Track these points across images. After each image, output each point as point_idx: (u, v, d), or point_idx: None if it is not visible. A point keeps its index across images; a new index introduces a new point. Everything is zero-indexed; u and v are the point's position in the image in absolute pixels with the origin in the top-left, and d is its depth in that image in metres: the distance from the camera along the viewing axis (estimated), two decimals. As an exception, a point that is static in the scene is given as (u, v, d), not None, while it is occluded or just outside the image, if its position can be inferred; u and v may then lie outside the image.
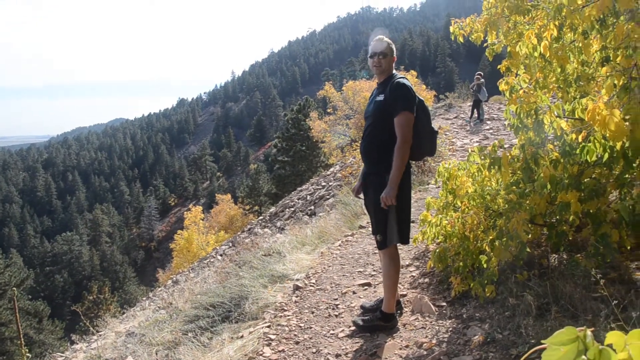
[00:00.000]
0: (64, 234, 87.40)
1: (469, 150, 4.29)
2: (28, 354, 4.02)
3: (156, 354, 4.07)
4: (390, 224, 3.81)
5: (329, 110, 30.70)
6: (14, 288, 30.05)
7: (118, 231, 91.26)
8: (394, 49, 3.98)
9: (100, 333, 7.23)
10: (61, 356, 8.26)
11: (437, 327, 3.84)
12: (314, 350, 3.88)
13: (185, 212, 41.75)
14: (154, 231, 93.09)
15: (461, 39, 4.62)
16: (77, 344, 8.53)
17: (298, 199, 18.67)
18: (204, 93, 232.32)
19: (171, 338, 4.37)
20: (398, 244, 3.97)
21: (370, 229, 5.02)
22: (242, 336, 4.28)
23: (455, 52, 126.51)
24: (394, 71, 4.01)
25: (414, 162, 5.26)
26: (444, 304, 4.23)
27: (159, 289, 15.21)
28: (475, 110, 18.88)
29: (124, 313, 14.55)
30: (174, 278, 16.85)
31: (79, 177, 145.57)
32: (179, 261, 32.21)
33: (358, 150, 7.48)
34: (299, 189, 22.07)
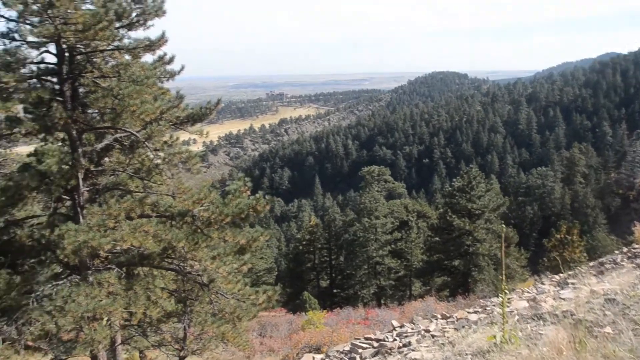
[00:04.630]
0: (539, 168, 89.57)
1: None
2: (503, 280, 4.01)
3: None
4: None
5: None
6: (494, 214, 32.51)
7: (594, 173, 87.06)
8: None
9: (570, 282, 6.87)
10: (528, 292, 8.31)
11: None
12: None
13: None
14: (636, 179, 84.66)
15: None
16: (544, 284, 8.42)
17: None
18: None
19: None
20: None
21: None
22: None
23: None
24: None
25: None
26: None
27: (637, 246, 13.69)
28: None
29: (590, 261, 13.70)
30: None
31: (560, 113, 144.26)
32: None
33: None
34: None
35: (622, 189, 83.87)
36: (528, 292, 7.73)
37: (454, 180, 36.56)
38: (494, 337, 3.75)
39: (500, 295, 4.29)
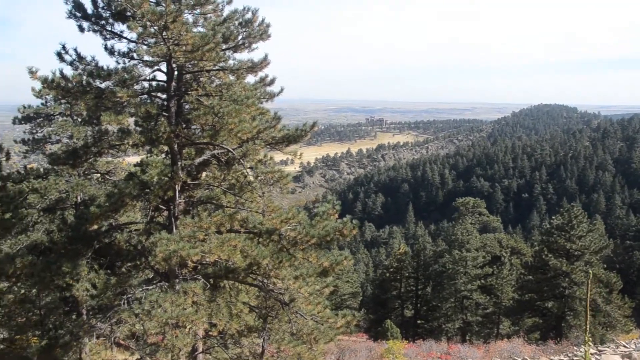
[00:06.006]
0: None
1: None
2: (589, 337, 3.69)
3: None
4: None
5: None
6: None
7: None
8: None
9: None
10: (625, 347, 7.64)
11: None
12: None
13: None
14: None
15: None
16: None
17: None
18: None
19: None
20: None
21: None
22: None
23: None
24: None
25: None
26: None
27: None
28: None
29: None
30: None
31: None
32: None
33: None
34: None
35: None
36: (625, 346, 7.12)
37: (553, 217, 34.57)
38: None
39: (585, 347, 3.93)
